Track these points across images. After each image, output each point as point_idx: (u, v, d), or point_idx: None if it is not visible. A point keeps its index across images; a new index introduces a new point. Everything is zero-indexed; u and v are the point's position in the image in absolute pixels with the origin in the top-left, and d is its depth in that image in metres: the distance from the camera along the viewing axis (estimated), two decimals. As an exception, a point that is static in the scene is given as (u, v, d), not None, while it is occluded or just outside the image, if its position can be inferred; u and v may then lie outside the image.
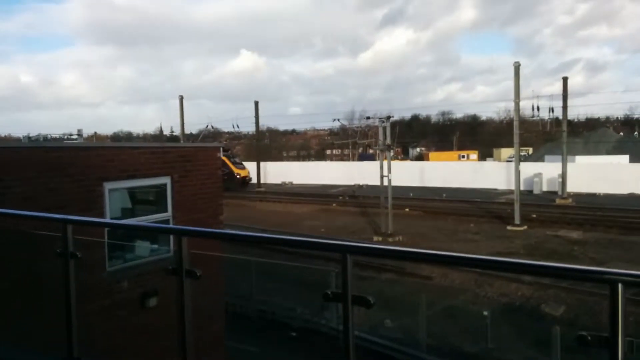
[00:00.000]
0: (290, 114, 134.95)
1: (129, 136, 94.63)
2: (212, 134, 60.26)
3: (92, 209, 8.36)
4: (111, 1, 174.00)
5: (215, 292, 10.21)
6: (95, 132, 67.73)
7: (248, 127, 59.32)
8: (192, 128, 54.55)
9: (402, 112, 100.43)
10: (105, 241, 8.17)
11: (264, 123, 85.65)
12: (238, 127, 51.61)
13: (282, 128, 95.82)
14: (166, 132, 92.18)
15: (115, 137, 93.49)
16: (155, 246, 9.97)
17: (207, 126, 50.28)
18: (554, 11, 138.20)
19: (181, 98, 46.44)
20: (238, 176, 45.90)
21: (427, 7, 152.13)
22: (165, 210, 10.15)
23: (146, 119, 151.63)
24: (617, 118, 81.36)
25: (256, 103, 49.22)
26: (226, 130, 58.79)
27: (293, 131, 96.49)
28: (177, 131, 52.98)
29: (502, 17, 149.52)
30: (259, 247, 14.60)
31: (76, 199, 8.28)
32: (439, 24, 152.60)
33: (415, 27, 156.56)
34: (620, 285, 1.88)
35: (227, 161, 43.87)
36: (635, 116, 76.28)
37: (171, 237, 6.78)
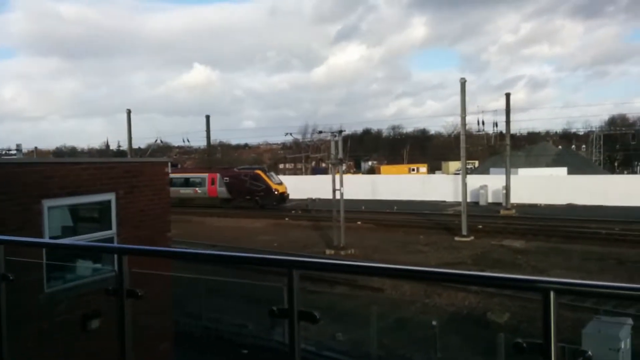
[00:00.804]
0: (243, 128, 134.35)
1: (72, 151, 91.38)
2: (162, 149, 58.98)
3: (29, 227, 7.98)
4: (58, 12, 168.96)
5: (162, 311, 9.93)
6: (36, 147, 65.01)
7: (199, 142, 58.45)
8: (140, 142, 53.22)
9: (354, 126, 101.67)
10: (43, 262, 7.80)
11: (216, 137, 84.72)
12: (189, 141, 50.82)
13: (234, 142, 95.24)
14: (113, 146, 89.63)
15: (58, 152, 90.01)
16: (98, 265, 9.61)
17: (156, 140, 48.90)
18: (500, 30, 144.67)
19: (129, 111, 45.24)
20: (276, 192, 42.83)
21: (379, 24, 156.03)
22: (110, 228, 9.82)
23: (92, 133, 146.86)
24: (556, 132, 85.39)
25: (207, 117, 48.61)
26: (176, 145, 57.67)
27: (246, 145, 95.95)
28: (124, 146, 51.58)
29: (451, 35, 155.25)
30: (208, 264, 14.35)
31: (11, 218, 7.88)
32: (392, 41, 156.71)
33: (368, 43, 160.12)
34: (552, 293, 1.94)
35: (263, 176, 42.49)
36: (573, 130, 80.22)
37: (115, 256, 6.57)
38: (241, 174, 43.70)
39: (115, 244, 9.08)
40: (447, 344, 12.78)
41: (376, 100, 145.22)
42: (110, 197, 9.74)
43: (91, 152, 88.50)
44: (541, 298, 1.97)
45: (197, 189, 44.74)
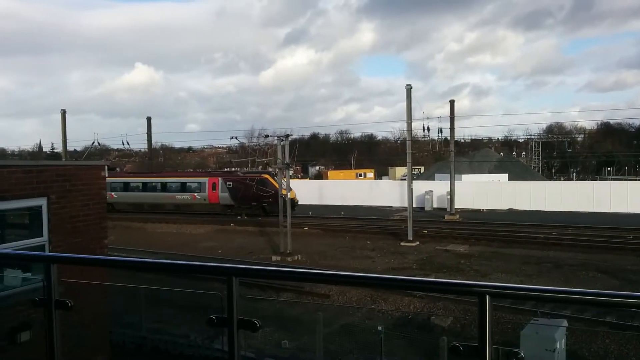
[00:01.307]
0: (187, 131, 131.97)
1: (2, 153, 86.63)
2: (99, 152, 56.79)
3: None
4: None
5: (97, 322, 9.44)
6: (-40, 150, 61.23)
7: (140, 145, 56.74)
8: (77, 145, 51.09)
9: (302, 130, 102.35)
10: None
11: (158, 140, 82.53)
12: (128, 144, 49.10)
13: (177, 145, 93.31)
14: (46, 148, 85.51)
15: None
16: (29, 274, 9.05)
17: (93, 143, 46.70)
18: (446, 39, 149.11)
19: (63, 112, 43.33)
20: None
21: (328, 28, 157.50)
22: (41, 235, 9.27)
23: (24, 134, 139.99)
24: (498, 139, 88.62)
25: (149, 119, 47.25)
26: (115, 147, 55.60)
27: (189, 149, 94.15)
28: (59, 148, 49.31)
29: (399, 42, 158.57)
30: (146, 273, 13.89)
31: None
32: (341, 46, 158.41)
33: (317, 47, 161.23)
34: (487, 297, 1.93)
35: (272, 181, 38.81)
36: (513, 137, 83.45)
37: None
38: (247, 178, 40.32)
39: (45, 252, 8.57)
40: (391, 348, 12.85)
41: (324, 105, 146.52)
42: (42, 202, 9.20)
43: (22, 155, 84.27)
44: (477, 302, 1.96)
45: (195, 194, 41.68)
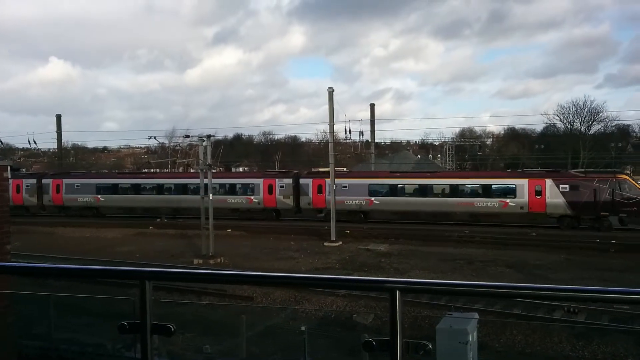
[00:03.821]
0: (103, 130, 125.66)
1: None
2: (2, 151, 52.74)
3: None
4: None
5: (2, 332, 8.79)
6: None
7: (50, 144, 53.27)
8: (-23, 143, 46.96)
9: (227, 131, 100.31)
10: None
11: (70, 139, 78.05)
12: (35, 143, 46.11)
13: (91, 145, 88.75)
14: (-58, 147, 78.23)
15: None
16: None
17: (-5, 141, 43.41)
18: (372, 44, 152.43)
19: (-37, 108, 39.97)
20: None
21: (258, 29, 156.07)
22: None
23: None
24: (416, 142, 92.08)
25: (58, 116, 44.77)
26: (21, 147, 51.86)
27: (104, 149, 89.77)
28: (-45, 146, 45.34)
29: (328, 46, 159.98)
30: (53, 279, 13.20)
31: None
32: (270, 47, 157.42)
33: (246, 48, 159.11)
34: (397, 292, 2.01)
35: (635, 184, 30.79)
36: (430, 140, 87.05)
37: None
38: (594, 180, 30.85)
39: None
40: (315, 348, 12.98)
41: (251, 106, 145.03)
42: None
43: None
44: (388, 297, 2.05)
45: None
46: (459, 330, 9.94)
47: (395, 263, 23.42)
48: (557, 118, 67.93)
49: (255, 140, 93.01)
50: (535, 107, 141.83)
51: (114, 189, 40.81)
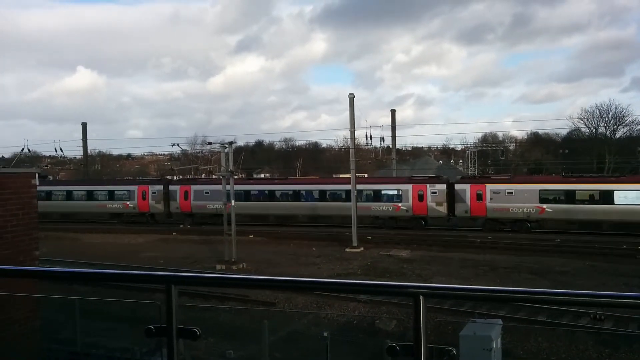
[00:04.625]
0: (127, 138, 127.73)
1: None
2: (30, 159, 53.88)
3: None
4: None
5: (26, 337, 8.99)
6: None
7: (75, 152, 54.21)
8: (4, 152, 48.07)
9: (249, 138, 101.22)
10: None
11: (95, 147, 79.44)
12: (62, 150, 46.89)
13: (116, 152, 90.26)
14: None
15: None
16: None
17: (22, 149, 44.08)
18: (394, 50, 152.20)
19: (-10, 117, 41.11)
20: None
21: (281, 37, 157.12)
22: (-36, 247, 8.75)
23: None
24: (437, 147, 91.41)
25: (84, 124, 45.56)
26: (47, 155, 52.89)
27: (128, 156, 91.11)
28: (-15, 155, 46.52)
29: (349, 52, 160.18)
30: (79, 284, 13.43)
31: None
32: (292, 54, 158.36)
33: (269, 55, 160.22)
34: (421, 297, 2.03)
35: None
36: (451, 146, 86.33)
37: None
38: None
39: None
40: (337, 354, 12.96)
41: (273, 113, 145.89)
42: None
43: (-57, 162, 78.69)
44: (412, 303, 2.07)
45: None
46: (483, 336, 9.84)
47: (417, 269, 23.27)
48: (582, 122, 66.78)
49: (277, 146, 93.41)
50: (559, 112, 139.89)
51: (246, 196, 37.96)
